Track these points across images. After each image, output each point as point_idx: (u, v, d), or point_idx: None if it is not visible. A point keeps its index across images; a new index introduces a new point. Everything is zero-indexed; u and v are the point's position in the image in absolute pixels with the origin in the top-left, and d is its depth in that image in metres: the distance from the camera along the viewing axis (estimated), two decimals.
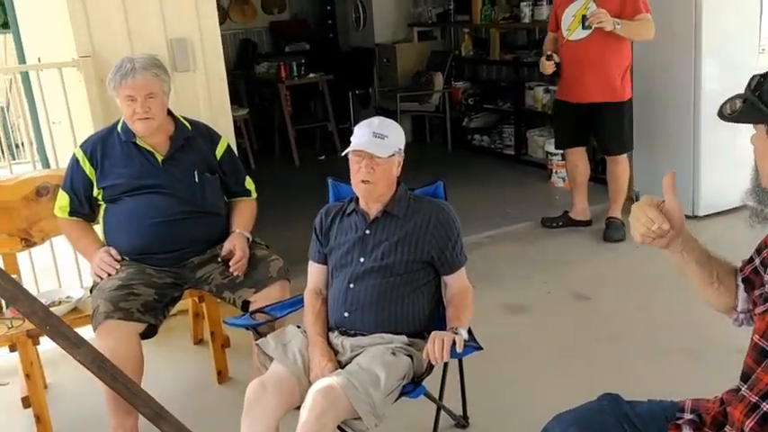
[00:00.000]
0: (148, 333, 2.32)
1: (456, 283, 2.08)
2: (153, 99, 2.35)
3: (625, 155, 3.97)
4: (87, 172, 2.42)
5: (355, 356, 1.95)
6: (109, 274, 2.34)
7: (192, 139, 2.52)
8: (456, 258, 2.07)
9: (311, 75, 6.55)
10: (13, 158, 8.50)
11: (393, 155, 2.03)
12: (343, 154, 2.05)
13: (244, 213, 2.60)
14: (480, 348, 1.92)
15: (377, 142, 2.00)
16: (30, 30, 6.81)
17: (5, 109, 8.92)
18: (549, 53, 3.85)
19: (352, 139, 2.06)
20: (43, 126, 4.54)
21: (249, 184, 2.67)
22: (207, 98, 3.23)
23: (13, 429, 2.46)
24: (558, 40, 3.87)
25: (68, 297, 2.49)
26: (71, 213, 2.45)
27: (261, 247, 2.57)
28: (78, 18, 2.90)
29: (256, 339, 2.09)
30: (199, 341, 3.06)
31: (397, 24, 7.07)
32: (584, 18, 3.65)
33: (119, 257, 2.39)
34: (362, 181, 2.01)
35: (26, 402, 2.40)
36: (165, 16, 3.09)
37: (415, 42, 6.93)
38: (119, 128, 2.46)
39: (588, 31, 3.65)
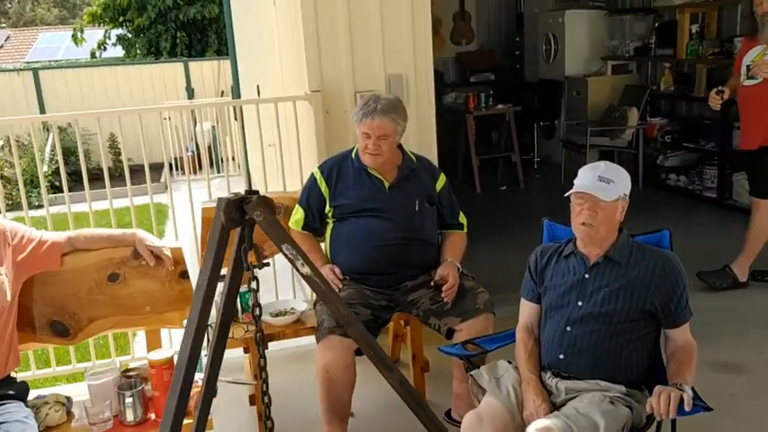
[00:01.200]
0: (360, 351, 2.51)
1: (679, 337, 2.01)
2: (384, 140, 2.54)
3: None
4: (323, 190, 2.66)
5: (569, 399, 1.96)
6: None
7: (417, 171, 2.69)
8: (681, 312, 2.00)
9: (499, 106, 6.61)
10: (218, 171, 9.61)
11: (617, 199, 2.02)
12: (566, 195, 2.08)
13: (455, 244, 2.71)
14: (710, 409, 1.83)
15: (602, 186, 2.00)
16: (245, 59, 7.64)
17: (214, 128, 10.07)
18: (719, 88, 3.71)
19: (575, 181, 2.08)
20: (252, 147, 5.05)
21: (462, 218, 2.78)
22: (417, 130, 3.41)
23: (240, 422, 2.75)
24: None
25: (293, 309, 2.75)
26: (304, 227, 2.71)
27: (468, 279, 2.66)
28: (313, 58, 3.22)
29: (468, 370, 2.17)
30: (395, 361, 3.21)
31: (590, 57, 6.95)
32: (748, 67, 3.53)
33: (341, 276, 2.60)
34: (583, 224, 2.02)
35: (252, 400, 2.68)
36: (386, 55, 3.33)
37: (609, 76, 6.76)
38: (353, 154, 2.69)
39: (758, 80, 3.50)
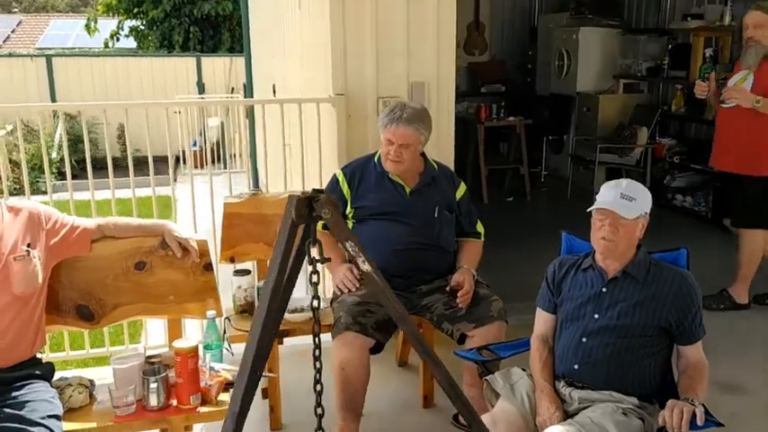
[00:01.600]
0: (376, 349, 2.55)
1: (692, 354, 2.07)
2: (406, 148, 2.58)
3: (753, 231, 3.79)
4: (345, 192, 2.71)
5: (582, 409, 2.00)
6: (349, 290, 2.61)
7: (438, 179, 2.74)
8: (695, 330, 2.06)
9: (510, 118, 6.68)
10: (223, 167, 9.66)
11: (638, 217, 2.08)
12: (588, 210, 2.13)
13: (471, 252, 2.76)
14: (721, 425, 1.88)
15: (624, 203, 2.05)
16: (259, 58, 7.70)
17: (223, 124, 10.14)
18: (706, 75, 3.81)
19: (597, 197, 2.14)
20: (263, 145, 5.08)
21: (480, 227, 2.84)
22: (436, 138, 3.42)
23: (252, 415, 2.78)
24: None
25: (308, 306, 2.79)
26: (324, 226, 2.74)
27: (482, 286, 2.70)
28: (338, 62, 3.27)
29: (482, 375, 2.22)
30: (403, 364, 3.26)
31: (603, 75, 7.02)
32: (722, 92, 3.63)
33: (359, 276, 2.64)
34: (603, 238, 2.07)
35: (265, 393, 2.73)
36: (410, 62, 3.38)
37: (620, 94, 6.83)
38: (375, 158, 2.74)
39: (732, 104, 3.60)
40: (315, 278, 1.16)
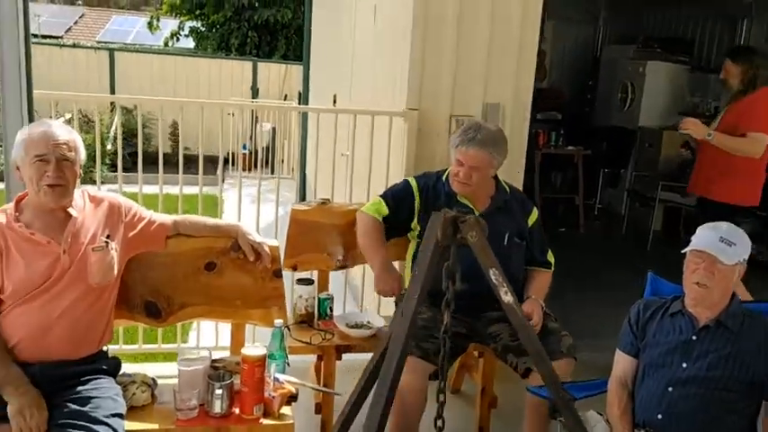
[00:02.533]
0: (435, 375, 2.46)
1: None
2: (477, 171, 2.48)
3: None
4: (416, 203, 2.60)
5: None
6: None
7: (509, 203, 2.64)
8: None
9: (569, 147, 6.55)
10: (272, 172, 9.71)
11: (736, 264, 1.96)
12: (683, 251, 2.02)
13: (541, 282, 2.65)
14: None
15: (723, 248, 1.94)
16: (319, 67, 7.72)
17: (274, 129, 10.21)
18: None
19: (692, 238, 2.03)
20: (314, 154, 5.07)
21: (550, 256, 2.72)
22: (506, 163, 3.36)
23: (302, 429, 2.72)
24: None
25: (369, 322, 2.72)
26: (385, 218, 2.61)
27: (551, 320, 2.59)
28: (415, 78, 3.22)
29: (555, 416, 2.11)
30: (456, 391, 3.16)
31: (668, 110, 6.85)
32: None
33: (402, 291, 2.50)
34: (697, 283, 1.96)
35: (318, 408, 2.65)
36: (487, 83, 3.31)
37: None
38: (444, 177, 2.65)
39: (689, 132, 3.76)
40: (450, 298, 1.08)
